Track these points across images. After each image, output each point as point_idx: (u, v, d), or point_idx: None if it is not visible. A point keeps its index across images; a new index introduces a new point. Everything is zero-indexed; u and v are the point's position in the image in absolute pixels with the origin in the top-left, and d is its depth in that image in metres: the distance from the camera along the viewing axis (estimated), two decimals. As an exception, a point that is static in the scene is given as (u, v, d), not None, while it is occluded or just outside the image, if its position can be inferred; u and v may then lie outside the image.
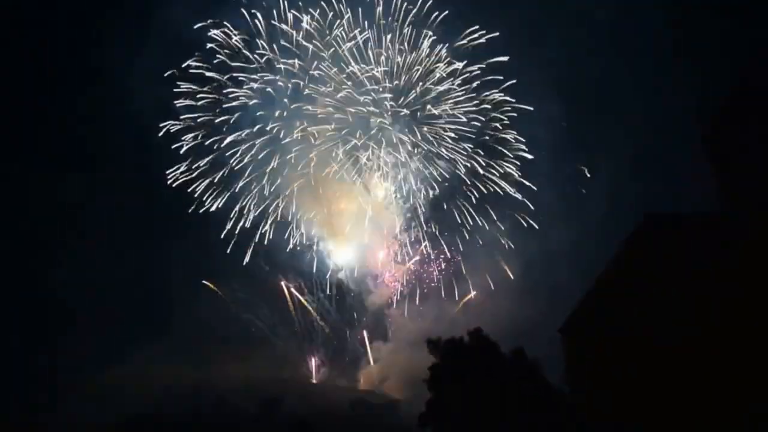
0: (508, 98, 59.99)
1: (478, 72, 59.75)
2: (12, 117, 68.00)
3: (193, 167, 61.57)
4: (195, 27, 60.88)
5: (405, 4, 59.48)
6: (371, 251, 65.14)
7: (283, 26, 60.21)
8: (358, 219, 62.43)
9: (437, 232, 63.41)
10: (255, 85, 60.82)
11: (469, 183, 61.26)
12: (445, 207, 62.40)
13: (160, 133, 61.18)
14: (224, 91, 60.96)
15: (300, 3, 60.22)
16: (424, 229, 63.35)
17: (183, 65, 61.00)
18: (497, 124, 60.65)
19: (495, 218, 61.89)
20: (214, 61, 61.18)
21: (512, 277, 62.29)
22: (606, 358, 21.53)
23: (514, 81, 59.70)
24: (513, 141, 60.69)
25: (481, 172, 60.98)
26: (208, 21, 60.98)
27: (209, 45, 61.15)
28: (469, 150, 60.87)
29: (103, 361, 63.72)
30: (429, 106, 60.45)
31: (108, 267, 66.23)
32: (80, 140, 70.46)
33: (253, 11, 60.52)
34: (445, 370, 43.23)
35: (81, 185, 67.47)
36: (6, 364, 60.96)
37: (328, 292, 65.07)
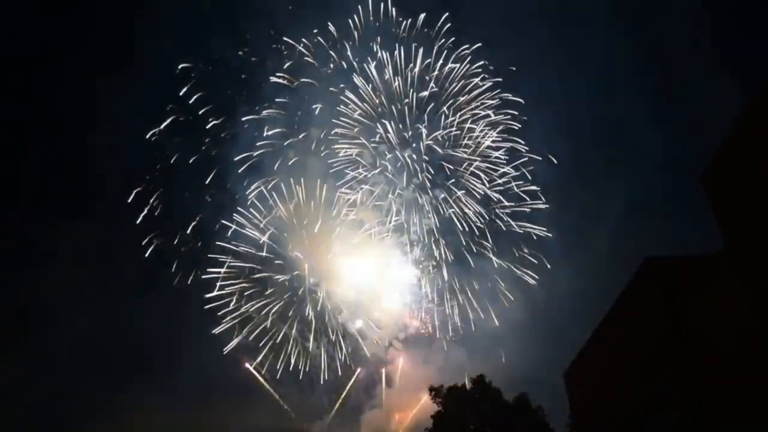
0: (520, 141, 59.41)
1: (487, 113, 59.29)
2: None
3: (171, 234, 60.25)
4: (179, 67, 59.29)
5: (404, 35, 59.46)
6: (373, 293, 64.22)
7: (270, 63, 59.86)
8: (357, 259, 61.59)
9: (440, 271, 62.23)
10: (245, 125, 60.34)
11: (476, 224, 60.30)
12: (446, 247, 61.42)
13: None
14: (205, 143, 60.30)
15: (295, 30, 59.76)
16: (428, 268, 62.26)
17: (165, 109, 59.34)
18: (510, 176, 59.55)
19: (501, 263, 60.92)
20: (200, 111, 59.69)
21: (521, 316, 61.08)
22: (609, 403, 20.92)
23: (525, 118, 59.12)
24: (529, 186, 59.66)
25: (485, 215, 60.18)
26: (191, 59, 59.14)
27: (191, 86, 59.30)
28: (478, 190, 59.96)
29: (102, 412, 62.80)
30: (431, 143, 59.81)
31: (102, 317, 65.36)
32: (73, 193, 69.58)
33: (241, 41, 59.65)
34: (448, 419, 42.35)
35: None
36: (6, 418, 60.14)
37: (331, 337, 63.93)
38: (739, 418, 14.97)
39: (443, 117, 59.37)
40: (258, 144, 59.31)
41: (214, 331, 59.66)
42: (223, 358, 60.94)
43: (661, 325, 17.37)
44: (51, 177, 69.85)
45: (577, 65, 65.23)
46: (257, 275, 59.95)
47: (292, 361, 61.07)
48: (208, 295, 58.80)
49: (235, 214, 58.91)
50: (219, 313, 59.22)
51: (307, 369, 61.63)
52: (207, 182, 59.95)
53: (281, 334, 60.70)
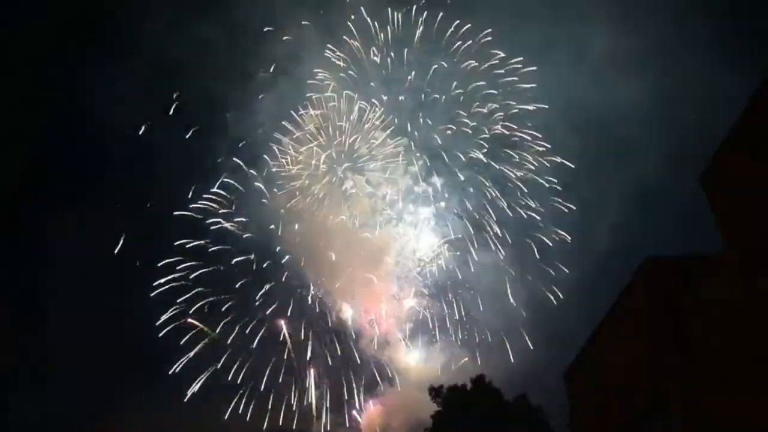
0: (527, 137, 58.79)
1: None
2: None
3: None
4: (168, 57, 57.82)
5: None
6: (371, 289, 63.77)
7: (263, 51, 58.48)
8: (353, 252, 60.88)
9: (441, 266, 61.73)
10: None
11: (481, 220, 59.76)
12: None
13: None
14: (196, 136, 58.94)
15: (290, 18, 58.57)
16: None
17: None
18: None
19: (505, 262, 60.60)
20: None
21: (522, 316, 60.88)
22: (609, 403, 20.89)
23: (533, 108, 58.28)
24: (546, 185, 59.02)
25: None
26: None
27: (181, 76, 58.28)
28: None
29: (91, 411, 62.34)
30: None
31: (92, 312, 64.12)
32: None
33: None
34: (448, 419, 42.32)
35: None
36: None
37: (331, 336, 63.43)
38: (740, 419, 14.95)
39: (443, 105, 59.13)
40: (250, 137, 58.77)
41: (171, 372, 55.22)
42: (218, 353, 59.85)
43: (661, 325, 17.35)
44: (38, 173, 68.69)
45: (577, 62, 64.99)
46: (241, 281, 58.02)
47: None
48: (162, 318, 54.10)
49: (221, 208, 58.00)
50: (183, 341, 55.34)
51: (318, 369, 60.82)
52: (197, 177, 58.89)
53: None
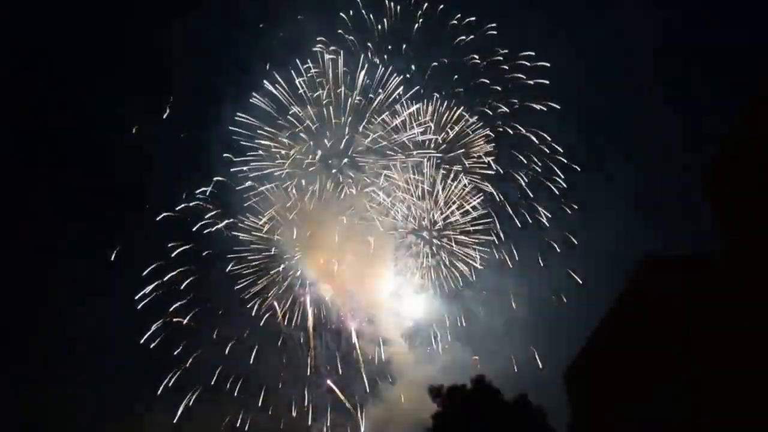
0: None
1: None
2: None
3: None
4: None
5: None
6: (372, 288, 63.50)
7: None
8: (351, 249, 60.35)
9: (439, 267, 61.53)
10: None
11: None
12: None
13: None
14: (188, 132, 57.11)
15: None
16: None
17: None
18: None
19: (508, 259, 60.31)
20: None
21: (523, 316, 60.59)
22: (611, 403, 20.90)
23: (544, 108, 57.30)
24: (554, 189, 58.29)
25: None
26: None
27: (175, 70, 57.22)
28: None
29: (89, 411, 61.65)
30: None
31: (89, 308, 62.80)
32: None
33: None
34: (448, 419, 42.30)
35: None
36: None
37: (331, 336, 63.18)
38: (739, 418, 14.96)
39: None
40: (245, 133, 57.94)
41: (160, 390, 51.64)
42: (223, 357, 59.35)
43: (661, 325, 17.34)
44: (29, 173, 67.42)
45: (576, 61, 64.71)
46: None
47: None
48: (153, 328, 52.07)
49: (215, 209, 57.15)
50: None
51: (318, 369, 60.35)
52: (191, 176, 57.58)
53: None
